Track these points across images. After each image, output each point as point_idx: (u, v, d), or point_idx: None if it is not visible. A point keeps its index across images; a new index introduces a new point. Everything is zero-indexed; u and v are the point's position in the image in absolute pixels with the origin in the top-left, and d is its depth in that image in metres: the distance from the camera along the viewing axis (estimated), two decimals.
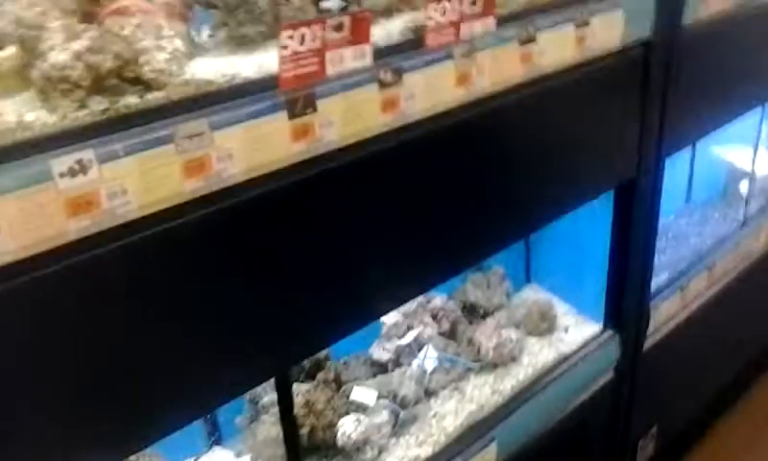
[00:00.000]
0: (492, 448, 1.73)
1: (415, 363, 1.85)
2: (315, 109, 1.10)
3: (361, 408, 1.69)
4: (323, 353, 1.79)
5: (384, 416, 1.68)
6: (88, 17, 0.99)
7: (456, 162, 1.38)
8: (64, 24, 0.95)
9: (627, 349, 2.07)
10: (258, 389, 1.69)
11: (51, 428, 0.99)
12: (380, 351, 1.87)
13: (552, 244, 2.15)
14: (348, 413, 1.67)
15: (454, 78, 1.29)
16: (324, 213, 1.21)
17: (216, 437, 1.77)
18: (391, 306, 1.56)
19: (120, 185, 0.93)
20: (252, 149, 1.05)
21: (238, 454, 1.68)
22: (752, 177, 2.63)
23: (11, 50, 0.97)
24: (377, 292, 1.37)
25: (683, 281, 2.26)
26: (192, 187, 1.00)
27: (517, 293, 2.22)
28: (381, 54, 1.17)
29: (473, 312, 2.07)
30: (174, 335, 1.08)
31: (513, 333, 1.93)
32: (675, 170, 2.34)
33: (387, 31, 1.23)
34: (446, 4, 1.20)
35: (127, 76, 0.97)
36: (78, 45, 0.93)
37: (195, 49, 1.11)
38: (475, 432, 1.73)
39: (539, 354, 1.95)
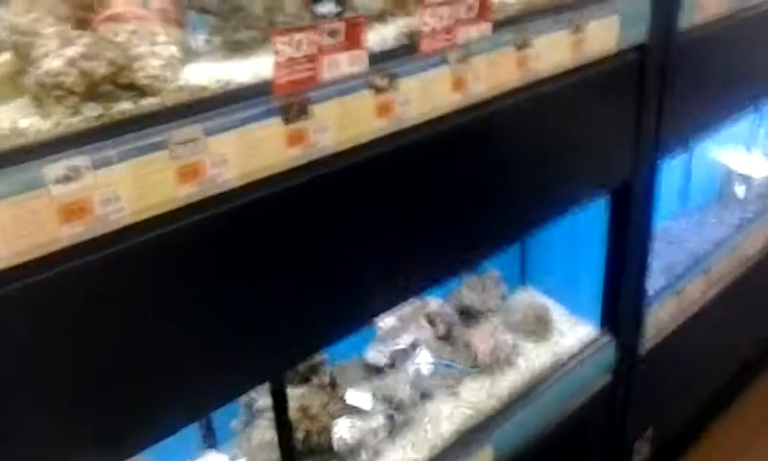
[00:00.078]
0: (488, 453, 1.73)
1: (410, 367, 1.85)
2: (309, 115, 1.10)
3: (356, 412, 1.69)
4: (318, 357, 1.79)
5: (379, 420, 1.68)
6: (82, 24, 0.99)
7: (451, 167, 1.38)
8: (58, 30, 0.95)
9: (623, 352, 2.08)
10: (253, 393, 1.69)
11: (42, 435, 0.99)
12: (376, 355, 1.87)
13: (548, 247, 2.15)
14: (343, 417, 1.67)
15: (449, 83, 1.29)
16: (319, 218, 1.20)
17: (211, 441, 1.76)
18: (386, 309, 1.56)
19: (114, 191, 0.93)
20: (247, 154, 1.05)
21: (233, 458, 1.68)
22: (748, 180, 2.63)
23: (4, 56, 0.97)
24: (372, 296, 1.37)
25: (679, 285, 2.26)
26: (186, 193, 1.00)
27: (513, 296, 2.22)
28: (376, 59, 1.17)
29: (469, 315, 2.07)
30: (168, 341, 1.08)
31: (509, 337, 1.94)
32: (671, 173, 2.35)
33: (382, 36, 1.23)
34: (442, 9, 1.20)
35: (121, 82, 0.97)
36: (72, 51, 0.92)
37: (189, 55, 1.10)
38: (471, 436, 1.73)
39: (534, 358, 1.96)
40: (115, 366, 1.03)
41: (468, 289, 2.09)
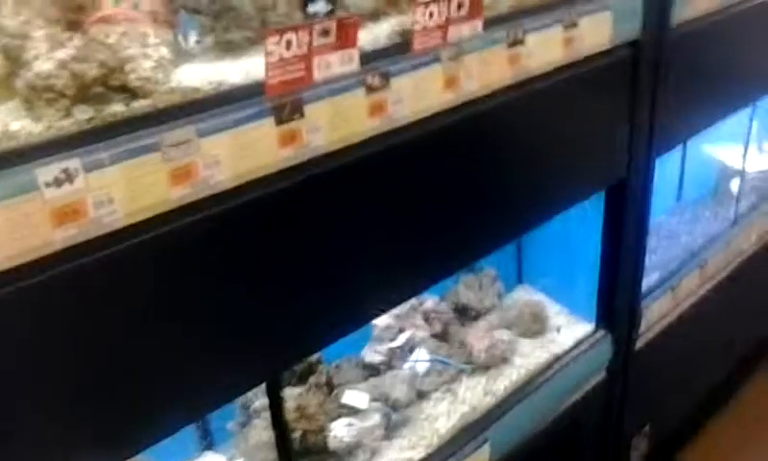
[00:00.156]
0: (485, 450, 1.73)
1: (407, 365, 1.85)
2: (302, 115, 1.10)
3: (353, 411, 1.69)
4: (314, 357, 1.79)
5: (376, 419, 1.68)
6: (73, 26, 0.99)
7: (445, 166, 1.38)
8: (49, 33, 0.94)
9: (619, 348, 2.08)
10: (250, 393, 1.69)
11: (38, 437, 0.99)
12: (372, 354, 1.87)
13: (543, 245, 2.15)
14: (339, 416, 1.67)
15: (442, 81, 1.29)
16: (313, 218, 1.20)
17: (208, 442, 1.76)
18: (382, 309, 1.56)
19: (106, 194, 0.93)
20: (240, 155, 1.05)
21: (230, 459, 1.68)
22: (742, 175, 2.64)
23: None
24: (368, 296, 1.37)
25: (674, 280, 2.27)
26: (179, 195, 1.00)
27: (509, 294, 2.22)
28: (368, 58, 1.17)
29: (465, 314, 2.07)
30: (164, 343, 1.08)
31: (505, 335, 1.94)
32: (666, 169, 2.35)
33: (374, 35, 1.23)
34: (433, 7, 1.20)
35: (112, 84, 0.97)
36: (62, 54, 0.92)
37: (181, 56, 1.10)
38: (468, 434, 1.73)
39: (531, 355, 1.96)
40: (111, 368, 1.03)
41: (465, 287, 2.10)
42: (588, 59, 1.59)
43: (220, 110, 1.03)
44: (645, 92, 1.78)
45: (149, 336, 1.06)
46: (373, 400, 1.73)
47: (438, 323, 2.00)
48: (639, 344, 2.17)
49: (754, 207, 2.67)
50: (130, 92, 0.97)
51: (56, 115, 0.91)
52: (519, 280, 2.29)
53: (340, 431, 1.61)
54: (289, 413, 1.54)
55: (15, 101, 0.95)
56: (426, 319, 2.00)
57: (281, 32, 1.02)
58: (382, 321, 1.93)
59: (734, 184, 2.69)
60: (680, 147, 2.56)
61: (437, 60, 1.27)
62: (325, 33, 1.08)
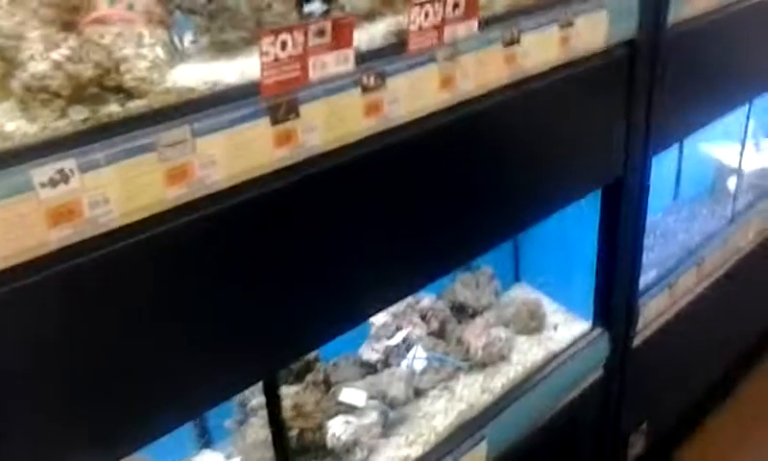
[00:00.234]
0: (483, 447, 1.74)
1: (404, 363, 1.86)
2: (297, 115, 1.10)
3: (350, 409, 1.69)
4: (312, 355, 1.80)
5: (373, 417, 1.68)
6: (68, 26, 0.99)
7: (441, 166, 1.39)
8: (44, 34, 0.95)
9: (616, 346, 2.08)
10: (247, 392, 1.69)
11: (35, 436, 0.99)
12: (369, 352, 1.87)
13: (540, 243, 2.15)
14: (337, 414, 1.67)
15: (438, 81, 1.29)
16: (309, 218, 1.21)
17: (205, 440, 1.77)
18: (379, 308, 1.56)
19: (102, 194, 0.93)
20: (235, 155, 1.05)
21: (228, 457, 1.68)
22: (739, 173, 2.64)
23: None
24: (365, 294, 1.37)
25: (671, 278, 2.27)
26: (175, 195, 1.00)
27: (506, 292, 2.23)
28: (364, 58, 1.18)
29: (462, 312, 2.08)
30: (160, 342, 1.08)
31: (502, 332, 1.94)
32: (663, 167, 2.36)
33: (369, 35, 1.23)
34: (429, 7, 1.20)
35: (108, 85, 0.97)
36: (58, 54, 0.93)
37: (176, 56, 1.10)
38: (465, 431, 1.74)
39: (528, 353, 1.96)
40: (107, 367, 1.03)
41: (462, 286, 2.10)
42: (585, 58, 1.59)
43: (215, 111, 1.03)
44: (641, 91, 1.78)
45: (145, 336, 1.06)
46: (371, 397, 1.73)
47: (435, 321, 2.00)
48: (637, 342, 2.17)
49: (750, 205, 2.67)
50: (125, 93, 0.97)
51: (51, 116, 0.92)
52: (517, 279, 2.30)
53: (337, 429, 1.62)
54: (286, 411, 1.54)
55: (11, 102, 0.95)
56: (423, 317, 2.00)
57: (277, 32, 1.02)
58: (379, 319, 1.93)
59: (731, 182, 2.69)
60: (676, 145, 2.57)
61: (433, 59, 1.27)
62: (321, 33, 1.08)
